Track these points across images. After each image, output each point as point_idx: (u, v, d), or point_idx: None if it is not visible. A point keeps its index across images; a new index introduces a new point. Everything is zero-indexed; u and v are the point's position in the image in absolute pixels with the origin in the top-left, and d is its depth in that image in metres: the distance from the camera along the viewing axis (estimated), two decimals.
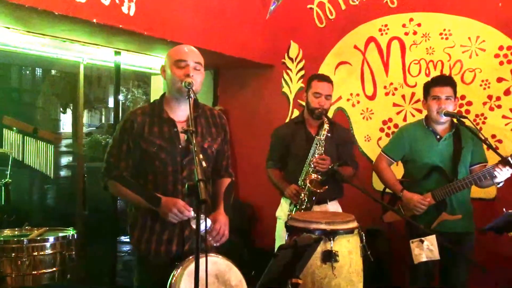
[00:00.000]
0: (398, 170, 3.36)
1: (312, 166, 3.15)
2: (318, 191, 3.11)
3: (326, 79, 3.36)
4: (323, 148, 3.17)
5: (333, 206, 3.36)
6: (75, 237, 2.71)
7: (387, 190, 3.30)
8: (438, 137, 3.10)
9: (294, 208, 3.20)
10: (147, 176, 2.28)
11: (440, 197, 3.00)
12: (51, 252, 2.55)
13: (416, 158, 3.15)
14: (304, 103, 3.46)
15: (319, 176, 3.14)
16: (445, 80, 3.13)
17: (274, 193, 3.49)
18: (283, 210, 3.37)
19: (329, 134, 3.21)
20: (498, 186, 2.96)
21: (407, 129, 3.29)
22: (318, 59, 4.51)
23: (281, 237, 3.32)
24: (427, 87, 3.13)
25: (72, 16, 2.91)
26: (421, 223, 2.92)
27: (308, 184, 3.12)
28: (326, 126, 3.20)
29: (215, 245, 2.28)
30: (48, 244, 2.55)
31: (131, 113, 2.33)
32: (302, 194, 3.15)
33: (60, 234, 2.67)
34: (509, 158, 2.78)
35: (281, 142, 3.42)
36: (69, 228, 2.78)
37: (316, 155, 3.16)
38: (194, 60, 2.25)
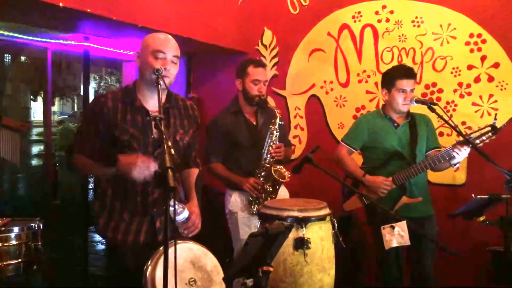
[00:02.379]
0: (357, 159, 3.37)
1: (269, 156, 3.13)
2: (284, 180, 3.11)
3: (262, 64, 3.33)
4: (277, 137, 3.15)
5: (283, 191, 3.35)
6: (41, 227, 2.64)
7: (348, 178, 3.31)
8: (395, 124, 3.18)
9: (255, 200, 3.16)
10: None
11: (400, 181, 3.06)
12: (16, 243, 2.48)
13: (376, 144, 3.21)
14: (240, 89, 3.30)
15: (282, 167, 3.14)
16: (411, 74, 3.15)
17: None
18: (237, 203, 3.26)
19: (281, 122, 3.19)
20: (454, 167, 3.01)
21: (365, 118, 3.36)
22: (292, 46, 4.48)
23: (242, 229, 3.24)
24: (392, 79, 3.14)
25: None
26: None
27: (273, 175, 3.10)
28: (278, 114, 3.16)
29: (189, 236, 2.27)
30: (12, 235, 2.48)
31: (101, 96, 2.28)
32: (266, 186, 3.12)
33: (25, 225, 2.60)
34: (467, 138, 2.86)
35: (222, 134, 3.26)
36: (35, 218, 2.70)
37: (272, 145, 3.13)
38: (173, 53, 2.21)
